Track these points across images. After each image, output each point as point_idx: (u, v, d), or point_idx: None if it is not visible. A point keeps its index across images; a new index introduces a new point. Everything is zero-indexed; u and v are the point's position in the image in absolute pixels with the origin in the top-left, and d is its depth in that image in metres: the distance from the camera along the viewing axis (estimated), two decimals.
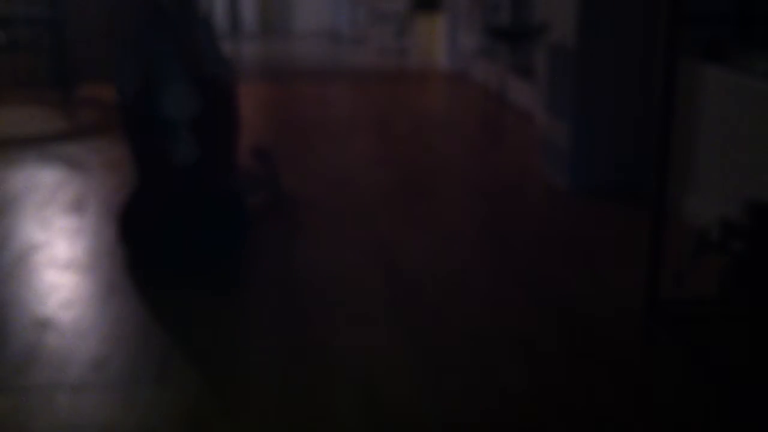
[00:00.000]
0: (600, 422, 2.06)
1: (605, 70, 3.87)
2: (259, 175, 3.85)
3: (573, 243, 3.30)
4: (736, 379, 2.19)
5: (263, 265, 3.07)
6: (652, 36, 3.82)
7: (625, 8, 3.81)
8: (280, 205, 3.50)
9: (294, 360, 2.36)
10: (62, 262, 3.09)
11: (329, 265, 3.06)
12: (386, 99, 6.72)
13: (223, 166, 3.06)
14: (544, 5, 5.40)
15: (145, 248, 3.03)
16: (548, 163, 4.23)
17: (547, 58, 4.36)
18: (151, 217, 3.00)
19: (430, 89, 7.36)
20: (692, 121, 3.44)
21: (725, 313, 2.38)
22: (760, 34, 3.23)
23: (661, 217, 2.40)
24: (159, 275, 2.94)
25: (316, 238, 3.36)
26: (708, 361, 2.26)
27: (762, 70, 3.06)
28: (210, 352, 2.40)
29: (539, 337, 2.49)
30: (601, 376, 2.26)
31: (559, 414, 2.09)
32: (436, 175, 4.39)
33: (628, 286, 2.82)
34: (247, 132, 5.48)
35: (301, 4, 11.94)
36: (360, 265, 3.05)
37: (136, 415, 2.09)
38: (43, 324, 2.56)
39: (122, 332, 2.52)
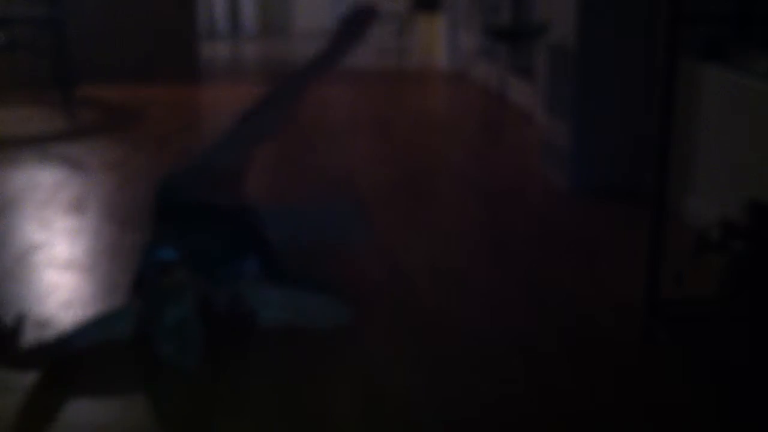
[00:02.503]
0: (600, 422, 2.06)
1: (605, 70, 3.87)
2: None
3: (573, 243, 3.30)
4: (736, 379, 2.19)
5: None
6: (652, 36, 3.82)
7: (625, 8, 3.81)
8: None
9: (294, 360, 2.36)
10: (62, 262, 3.09)
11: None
12: (386, 99, 6.72)
13: None
14: (544, 5, 5.40)
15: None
16: (548, 164, 4.23)
17: (547, 58, 4.35)
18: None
19: (430, 89, 7.36)
20: (692, 121, 3.44)
21: (725, 313, 2.38)
22: (760, 34, 3.23)
23: (661, 217, 2.40)
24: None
25: None
26: (708, 361, 2.26)
27: (762, 70, 3.06)
28: (210, 352, 2.39)
29: (539, 337, 2.49)
30: (601, 376, 2.26)
31: (559, 414, 2.09)
32: (435, 175, 4.38)
33: (628, 286, 2.82)
34: None
35: (301, 4, 11.94)
36: (360, 265, 3.05)
37: (136, 415, 2.09)
38: (43, 324, 2.56)
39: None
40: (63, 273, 2.99)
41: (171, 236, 2.61)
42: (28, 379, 2.25)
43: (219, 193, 2.81)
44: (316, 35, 11.56)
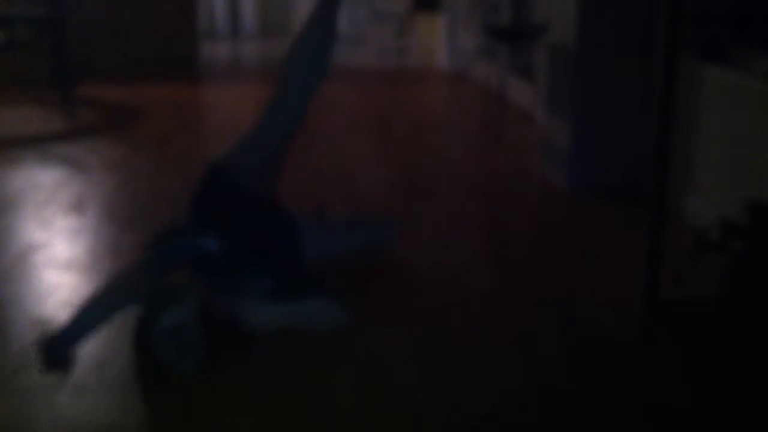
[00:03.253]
0: (600, 422, 2.05)
1: (605, 70, 3.87)
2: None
3: (573, 243, 3.30)
4: (736, 379, 2.19)
5: None
6: (652, 36, 3.82)
7: (625, 8, 3.81)
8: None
9: (294, 360, 2.36)
10: (62, 262, 3.08)
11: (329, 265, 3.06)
12: (386, 99, 6.72)
13: None
14: (544, 5, 5.40)
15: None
16: (548, 163, 4.23)
17: (547, 58, 4.35)
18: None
19: (430, 89, 7.36)
20: (692, 121, 3.44)
21: (725, 313, 2.38)
22: (760, 34, 3.23)
23: (661, 217, 2.40)
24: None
25: None
26: (708, 361, 2.26)
27: (762, 70, 3.06)
28: (210, 353, 2.39)
29: (539, 337, 2.49)
30: (601, 376, 2.26)
31: (558, 414, 2.09)
32: (435, 175, 4.38)
33: (628, 286, 2.82)
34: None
35: (301, 4, 11.93)
36: (359, 265, 3.05)
37: (136, 415, 2.09)
38: (43, 324, 2.56)
39: (122, 332, 2.52)
40: (63, 273, 2.99)
41: (191, 231, 2.58)
42: (27, 379, 2.25)
43: (259, 184, 2.76)
44: None
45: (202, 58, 8.21)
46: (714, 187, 3.31)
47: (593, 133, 3.93)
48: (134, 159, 4.63)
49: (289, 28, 11.94)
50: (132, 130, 5.43)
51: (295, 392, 2.19)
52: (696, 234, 2.36)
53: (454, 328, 2.55)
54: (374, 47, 9.96)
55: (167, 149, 4.88)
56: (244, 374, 2.28)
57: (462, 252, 3.20)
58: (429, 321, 2.61)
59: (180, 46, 7.62)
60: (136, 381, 2.25)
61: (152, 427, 2.04)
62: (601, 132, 3.93)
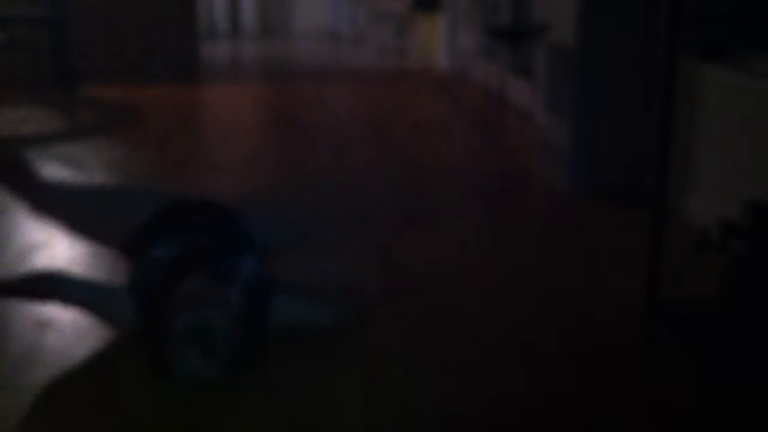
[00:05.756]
0: (600, 422, 2.05)
1: (605, 70, 3.87)
2: None
3: (573, 243, 3.30)
4: (736, 379, 2.19)
5: None
6: (652, 36, 3.82)
7: (625, 8, 3.81)
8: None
9: (294, 360, 2.36)
10: (62, 262, 3.08)
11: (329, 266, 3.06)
12: (386, 99, 6.72)
13: None
14: (544, 5, 5.40)
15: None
16: (548, 163, 4.23)
17: (547, 58, 4.35)
18: None
19: (429, 89, 7.36)
20: (692, 121, 3.44)
21: (725, 313, 2.38)
22: (759, 34, 3.23)
23: (661, 217, 2.40)
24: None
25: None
26: (708, 361, 2.26)
27: (762, 70, 3.06)
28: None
29: (539, 337, 2.49)
30: (601, 376, 2.26)
31: (559, 414, 2.09)
32: (436, 175, 4.38)
33: (628, 286, 2.82)
34: (247, 134, 5.48)
35: (301, 4, 11.94)
36: (360, 265, 3.05)
37: (136, 415, 2.09)
38: (43, 324, 2.56)
39: (122, 332, 2.52)
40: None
41: (174, 239, 2.56)
42: (29, 378, 2.25)
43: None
44: (315, 35, 11.56)
45: (202, 58, 8.21)
46: (714, 187, 3.31)
47: (593, 133, 3.93)
48: (134, 159, 4.64)
49: (289, 28, 11.94)
50: (132, 130, 5.43)
51: (296, 392, 2.19)
52: (696, 234, 2.36)
53: (454, 328, 2.55)
54: (374, 47, 9.95)
55: (167, 149, 4.88)
56: (244, 374, 2.28)
57: (462, 252, 3.20)
58: (429, 321, 2.61)
59: (180, 46, 7.62)
60: (136, 380, 2.25)
61: (152, 426, 2.04)
62: (601, 132, 3.93)
